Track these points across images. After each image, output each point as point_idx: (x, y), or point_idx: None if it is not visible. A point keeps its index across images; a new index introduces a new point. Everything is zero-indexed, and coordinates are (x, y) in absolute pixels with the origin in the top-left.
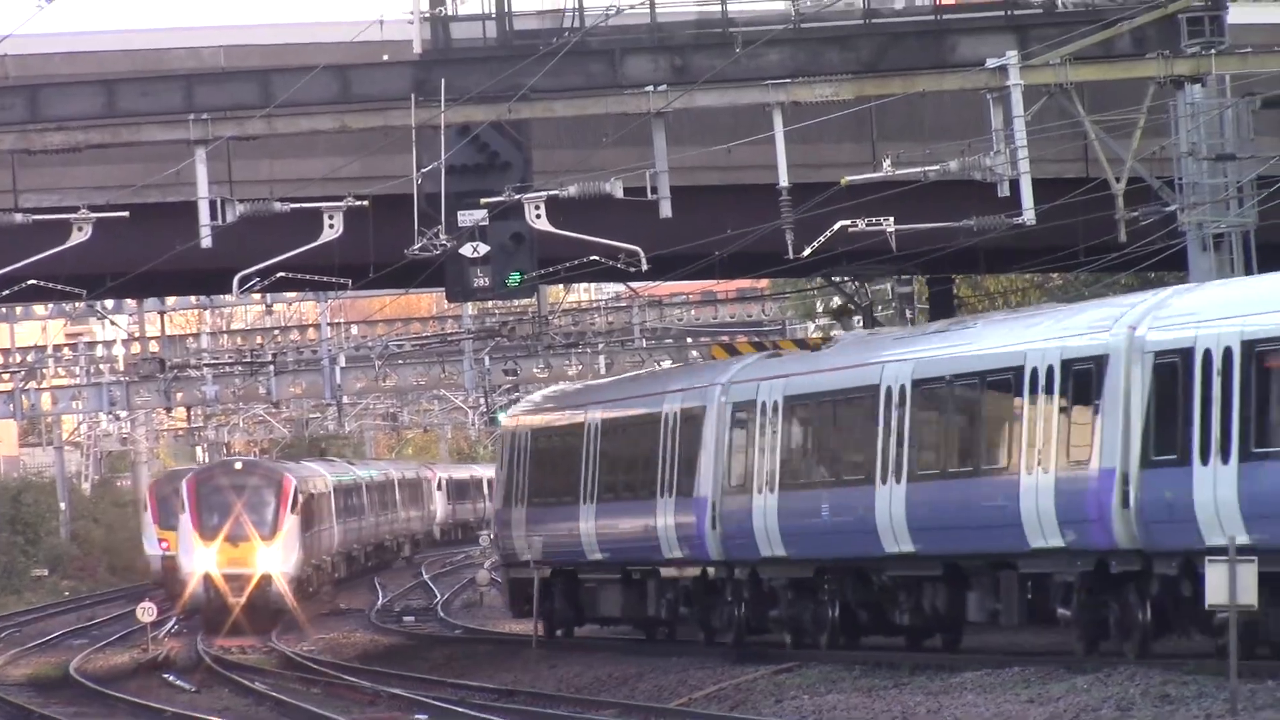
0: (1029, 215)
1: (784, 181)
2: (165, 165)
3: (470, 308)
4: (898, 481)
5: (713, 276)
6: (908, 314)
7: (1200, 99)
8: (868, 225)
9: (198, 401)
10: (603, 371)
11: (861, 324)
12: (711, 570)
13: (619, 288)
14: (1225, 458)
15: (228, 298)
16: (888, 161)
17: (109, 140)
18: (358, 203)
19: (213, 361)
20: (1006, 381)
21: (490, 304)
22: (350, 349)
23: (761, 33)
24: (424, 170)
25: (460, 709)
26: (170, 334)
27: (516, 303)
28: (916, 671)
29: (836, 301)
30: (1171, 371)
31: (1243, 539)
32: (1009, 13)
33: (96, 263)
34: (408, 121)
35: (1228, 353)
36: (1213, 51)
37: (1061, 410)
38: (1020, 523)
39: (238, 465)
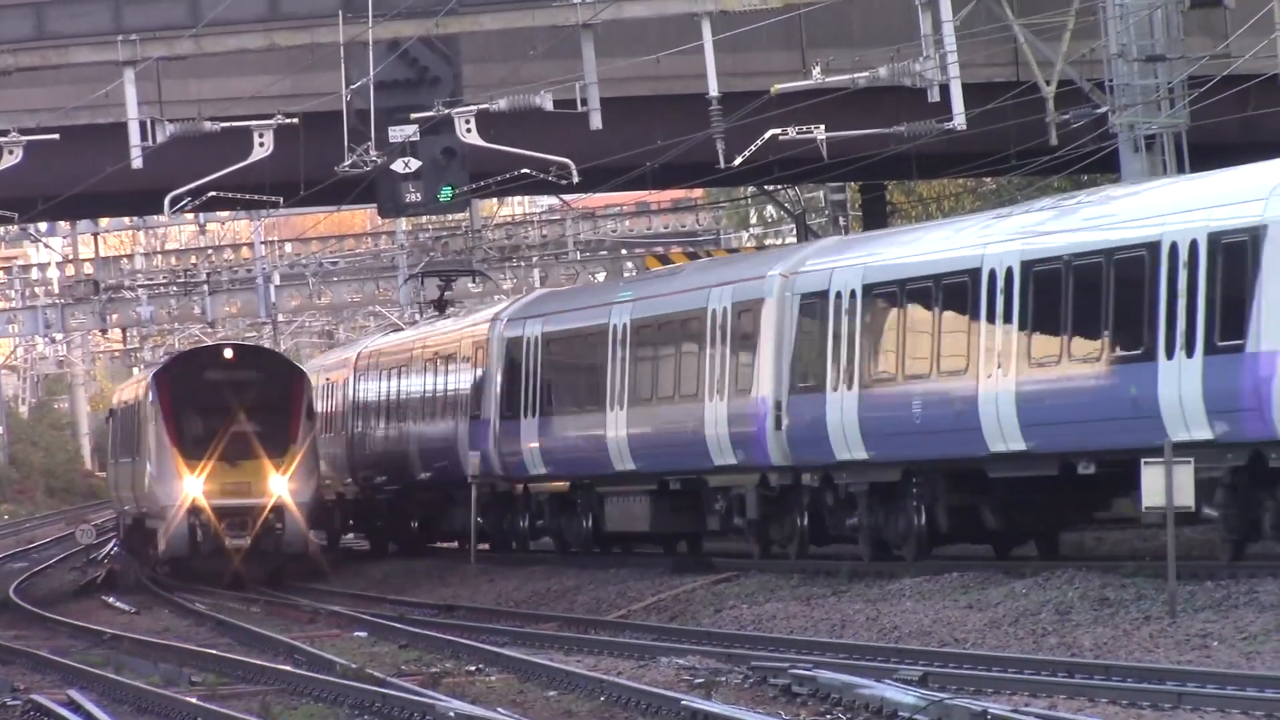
0: (960, 120)
1: (714, 91)
2: (95, 87)
3: (403, 223)
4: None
5: (645, 187)
6: (841, 221)
7: (1130, 0)
8: (799, 133)
9: (133, 323)
10: (537, 284)
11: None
12: None
13: (552, 200)
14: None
15: (161, 218)
16: (817, 69)
17: (38, 63)
18: (287, 120)
19: (147, 282)
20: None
21: (423, 219)
22: (284, 267)
23: None
24: (353, 87)
25: (400, 625)
26: (104, 255)
27: (449, 218)
28: (854, 579)
29: (770, 211)
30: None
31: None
32: None
33: (28, 185)
34: (336, 38)
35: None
36: None
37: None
38: None
39: (228, 353)
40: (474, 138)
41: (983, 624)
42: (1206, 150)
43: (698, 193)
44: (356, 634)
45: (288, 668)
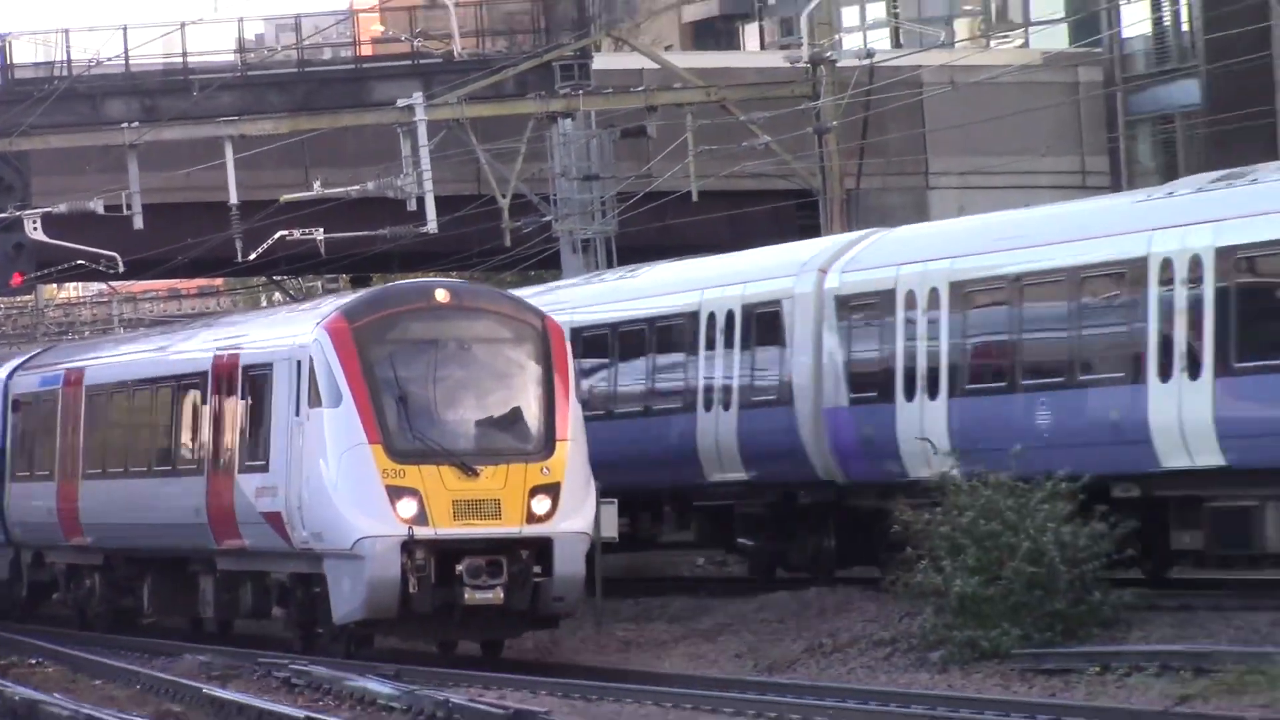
0: (432, 225)
1: (234, 199)
2: None
3: None
4: None
5: (177, 276)
6: None
7: (571, 130)
8: (302, 234)
9: None
10: None
11: None
12: None
13: (102, 286)
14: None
15: None
16: (318, 182)
17: None
18: None
19: None
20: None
21: None
22: None
23: (216, 79)
24: None
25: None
26: None
27: (16, 299)
28: None
29: (279, 296)
30: None
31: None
32: (415, 61)
33: None
34: None
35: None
36: (581, 92)
37: None
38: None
39: (440, 294)
40: (40, 235)
41: None
42: (630, 252)
43: (219, 281)
44: None
45: None
